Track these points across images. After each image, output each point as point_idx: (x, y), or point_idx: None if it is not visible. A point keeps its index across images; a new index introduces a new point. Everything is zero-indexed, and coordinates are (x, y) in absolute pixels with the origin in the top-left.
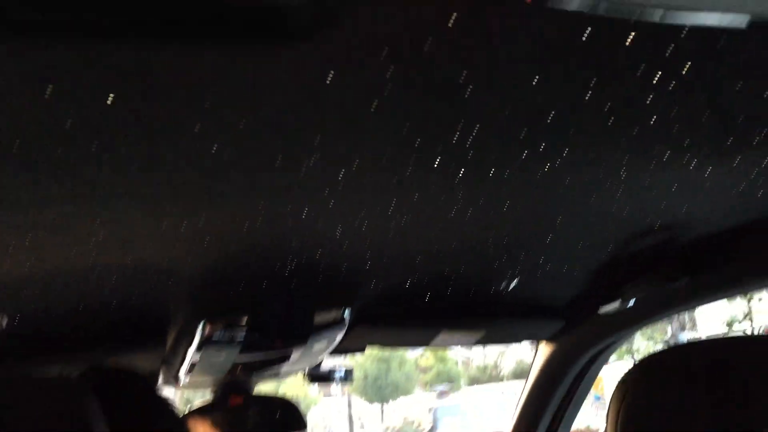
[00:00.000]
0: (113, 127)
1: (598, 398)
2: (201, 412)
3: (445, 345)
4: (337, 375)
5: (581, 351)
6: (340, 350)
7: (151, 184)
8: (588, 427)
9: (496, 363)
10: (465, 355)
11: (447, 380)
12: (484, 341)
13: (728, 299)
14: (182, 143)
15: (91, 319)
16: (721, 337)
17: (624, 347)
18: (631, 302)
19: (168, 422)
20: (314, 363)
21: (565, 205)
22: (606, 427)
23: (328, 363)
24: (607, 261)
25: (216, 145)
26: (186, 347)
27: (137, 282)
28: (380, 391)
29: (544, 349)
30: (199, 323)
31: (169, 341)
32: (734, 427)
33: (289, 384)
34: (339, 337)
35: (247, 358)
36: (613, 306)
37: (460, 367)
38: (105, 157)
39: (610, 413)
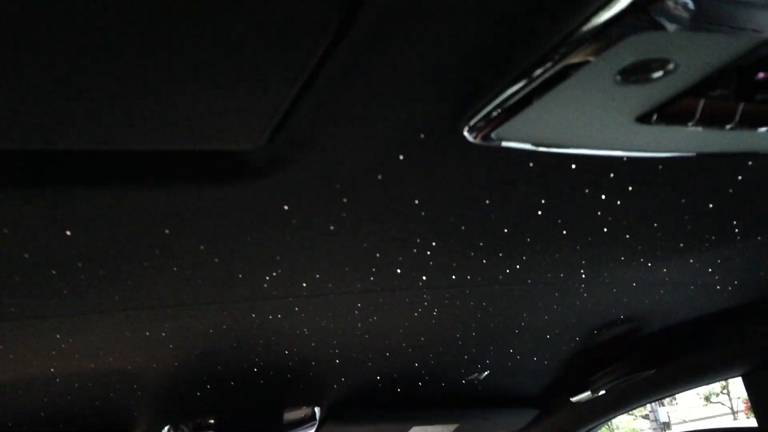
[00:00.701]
0: (72, 253)
1: None
2: None
3: None
4: None
5: None
6: None
7: (112, 298)
8: None
9: None
10: None
11: None
12: None
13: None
14: (144, 263)
15: (55, 427)
16: (706, 429)
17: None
18: (602, 392)
19: None
20: None
21: (530, 300)
22: None
23: None
24: (575, 352)
25: (175, 266)
26: None
27: (100, 388)
28: None
29: None
30: (164, 428)
31: None
32: None
33: None
34: None
35: None
36: (584, 395)
37: None
38: (66, 277)
39: None
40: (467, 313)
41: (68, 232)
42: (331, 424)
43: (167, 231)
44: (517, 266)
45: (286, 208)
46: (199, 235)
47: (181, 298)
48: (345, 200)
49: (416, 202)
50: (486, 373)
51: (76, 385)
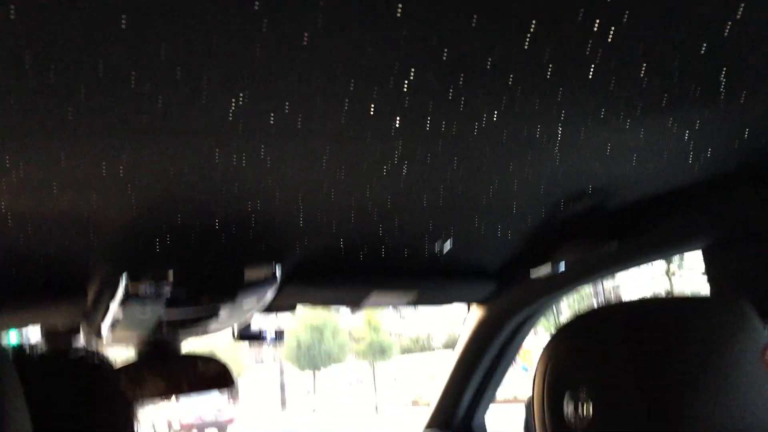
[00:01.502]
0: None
1: (525, 369)
2: (127, 370)
3: (377, 305)
4: (268, 336)
5: (512, 313)
6: (271, 309)
7: (65, 120)
8: (515, 397)
9: (428, 335)
10: (398, 328)
11: (380, 350)
12: (417, 302)
13: (651, 263)
14: (98, 72)
15: (5, 272)
16: (638, 299)
17: (552, 320)
18: (561, 266)
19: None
20: (244, 321)
21: (501, 163)
22: (533, 389)
23: (260, 322)
24: (539, 225)
25: (133, 79)
26: (107, 302)
27: (55, 232)
28: (313, 359)
29: (476, 312)
30: (121, 276)
31: (90, 296)
32: (650, 382)
33: (220, 349)
34: (270, 294)
35: (172, 314)
36: (544, 270)
37: (393, 338)
38: (12, 90)
39: (537, 374)
40: (436, 174)
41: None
42: (292, 284)
43: (124, 23)
44: (495, 114)
45: (256, 7)
46: (160, 34)
47: (140, 122)
48: (322, 2)
49: (398, 15)
50: (448, 243)
51: (29, 227)
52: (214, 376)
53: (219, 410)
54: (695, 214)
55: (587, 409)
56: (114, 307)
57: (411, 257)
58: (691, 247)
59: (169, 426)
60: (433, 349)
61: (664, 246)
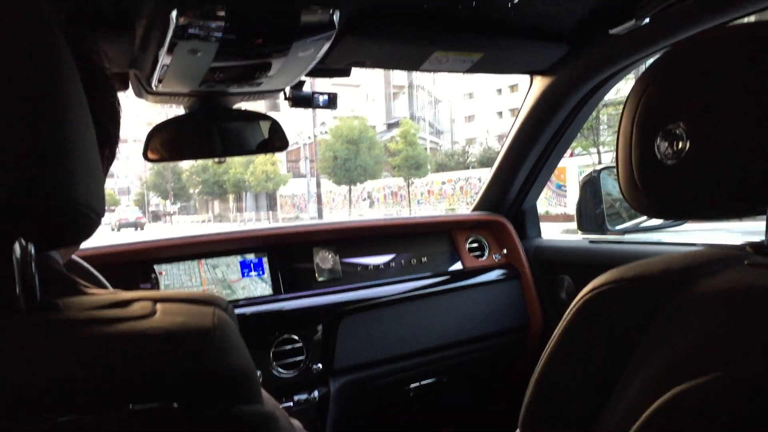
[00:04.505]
0: None
1: (559, 186)
2: (176, 124)
3: (437, 69)
4: (321, 99)
5: (581, 82)
6: (324, 69)
7: None
8: (547, 212)
9: (464, 150)
10: (434, 141)
11: (414, 165)
12: (478, 68)
13: (749, 15)
14: None
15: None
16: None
17: (591, 140)
18: (646, 20)
19: None
20: (295, 78)
21: None
22: (619, 131)
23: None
24: None
25: None
26: (157, 44)
27: None
28: (349, 173)
29: (539, 84)
30: (172, 11)
31: (138, 35)
32: None
33: (259, 162)
34: (326, 45)
35: (223, 61)
36: (626, 25)
37: (428, 153)
38: None
39: (625, 114)
40: None
41: None
42: (350, 38)
43: None
44: None
45: None
46: None
47: None
48: None
49: None
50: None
51: None
52: (268, 135)
53: None
54: None
55: (683, 144)
56: (164, 51)
57: (476, 15)
58: None
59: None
60: (468, 167)
61: None
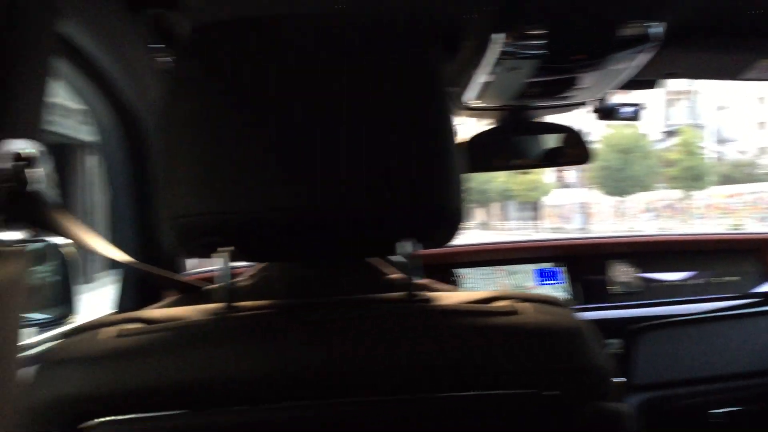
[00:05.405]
0: None
1: None
2: (485, 137)
3: (760, 78)
4: (624, 111)
5: None
6: (630, 81)
7: None
8: None
9: (754, 161)
10: (717, 151)
11: (694, 177)
12: None
13: None
14: None
15: None
16: None
17: None
18: None
19: None
20: (604, 91)
21: None
22: None
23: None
24: None
25: None
26: (478, 63)
27: None
28: (618, 184)
29: None
30: (496, 32)
31: (462, 55)
32: None
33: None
34: (644, 58)
35: (538, 77)
36: None
37: (710, 163)
38: None
39: None
40: None
41: None
42: (670, 49)
43: None
44: None
45: None
46: None
47: None
48: None
49: None
50: None
51: None
52: (571, 149)
53: None
54: None
55: None
56: (484, 68)
57: None
58: None
59: None
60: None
61: None
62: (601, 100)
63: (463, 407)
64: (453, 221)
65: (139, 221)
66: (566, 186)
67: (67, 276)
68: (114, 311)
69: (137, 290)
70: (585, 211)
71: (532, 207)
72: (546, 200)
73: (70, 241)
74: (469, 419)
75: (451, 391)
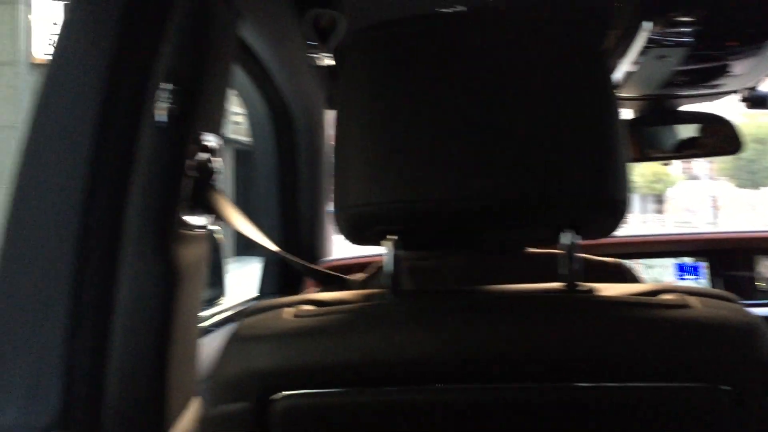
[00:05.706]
0: None
1: None
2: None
3: None
4: None
5: None
6: None
7: None
8: None
9: None
10: None
11: None
12: None
13: None
14: None
15: None
16: None
17: None
18: None
19: None
20: (757, 79)
21: None
22: None
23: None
24: None
25: None
26: (623, 52)
27: None
28: (753, 176)
29: None
30: (644, 20)
31: (606, 44)
32: None
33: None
34: None
35: (687, 65)
36: None
37: None
38: None
39: None
40: None
41: None
42: None
43: None
44: None
45: None
46: None
47: None
48: None
49: None
50: None
51: None
52: (721, 138)
53: None
54: None
55: None
56: (630, 57)
57: None
58: None
59: None
60: None
61: None
62: (752, 88)
63: (638, 398)
64: (618, 212)
65: (282, 213)
66: (694, 178)
67: (220, 260)
68: (256, 295)
69: (278, 276)
70: (714, 204)
71: (657, 200)
72: (671, 192)
73: (219, 227)
74: (644, 410)
75: (619, 382)
